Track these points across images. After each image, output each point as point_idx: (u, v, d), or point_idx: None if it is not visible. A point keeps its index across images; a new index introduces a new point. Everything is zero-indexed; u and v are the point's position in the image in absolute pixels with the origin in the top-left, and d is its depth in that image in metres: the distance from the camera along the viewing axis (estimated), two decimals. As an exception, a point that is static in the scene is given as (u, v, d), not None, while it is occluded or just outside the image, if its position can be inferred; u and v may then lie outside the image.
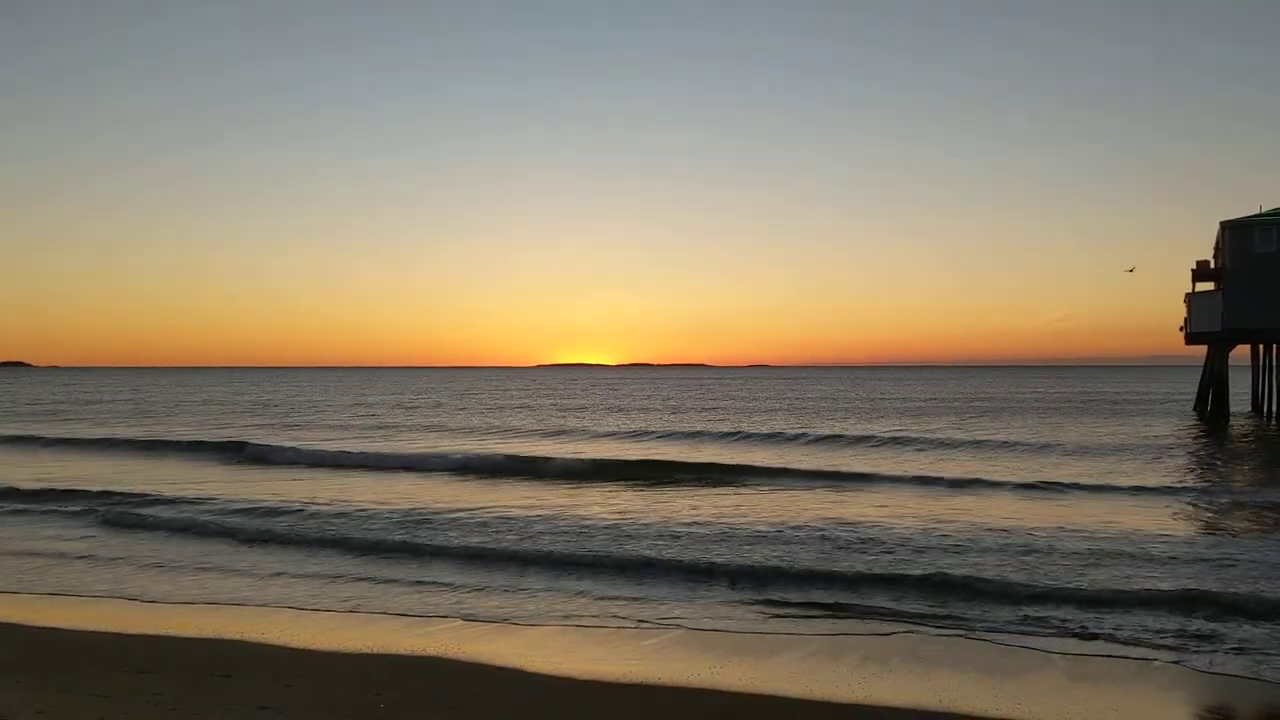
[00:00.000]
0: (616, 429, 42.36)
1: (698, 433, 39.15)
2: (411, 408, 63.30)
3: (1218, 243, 40.33)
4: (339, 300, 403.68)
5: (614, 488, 21.70)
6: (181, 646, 9.03)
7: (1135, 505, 18.03)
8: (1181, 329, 41.64)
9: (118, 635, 9.50)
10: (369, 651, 8.92)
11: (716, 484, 22.14)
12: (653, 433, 39.58)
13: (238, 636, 9.46)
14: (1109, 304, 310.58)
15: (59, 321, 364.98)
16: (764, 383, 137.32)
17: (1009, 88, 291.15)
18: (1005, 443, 32.17)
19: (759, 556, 12.88)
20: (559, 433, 40.71)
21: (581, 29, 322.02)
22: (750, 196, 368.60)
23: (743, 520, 16.34)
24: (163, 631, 9.69)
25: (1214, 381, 42.34)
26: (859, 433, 37.22)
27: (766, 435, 37.11)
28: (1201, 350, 43.12)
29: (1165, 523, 15.98)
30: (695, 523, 16.06)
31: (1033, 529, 15.11)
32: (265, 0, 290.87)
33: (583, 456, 27.96)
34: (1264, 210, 38.70)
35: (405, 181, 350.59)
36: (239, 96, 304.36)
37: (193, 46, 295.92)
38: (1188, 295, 40.84)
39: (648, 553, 13.19)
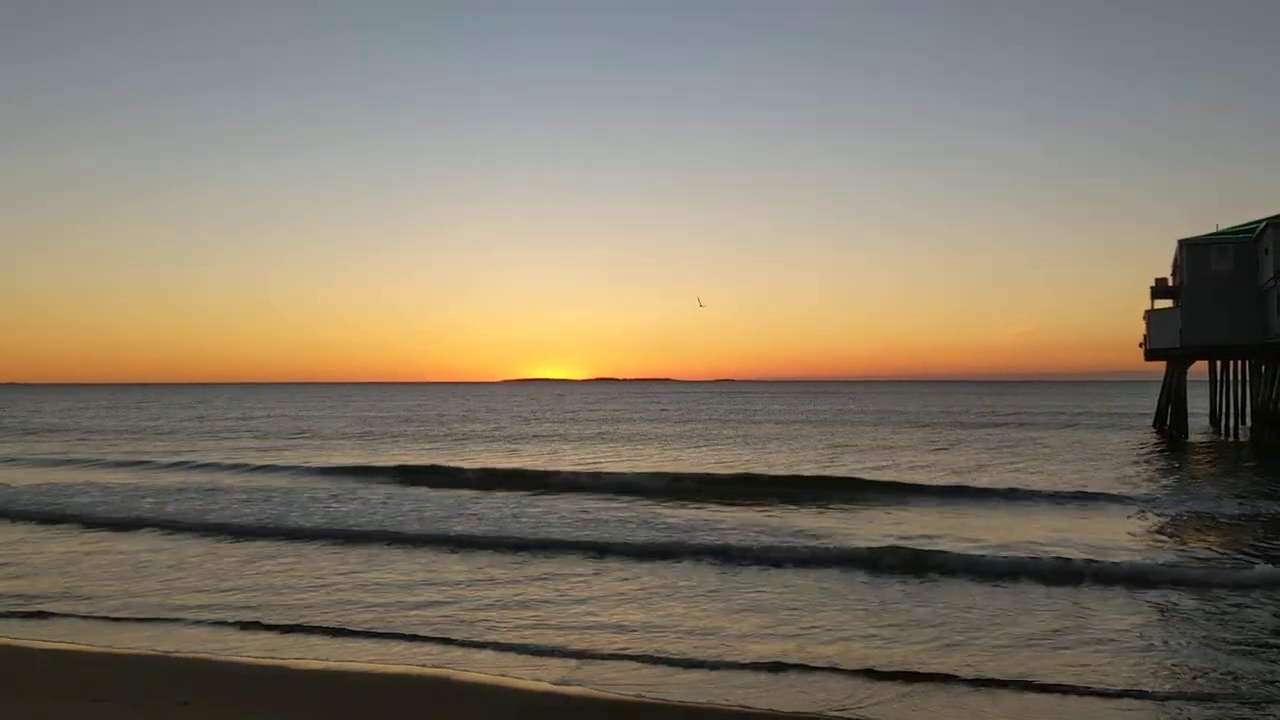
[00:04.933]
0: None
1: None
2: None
3: (1176, 261, 41.06)
4: (318, 316, 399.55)
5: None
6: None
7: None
8: (1141, 345, 42.32)
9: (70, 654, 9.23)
10: (336, 669, 8.73)
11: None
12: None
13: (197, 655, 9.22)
14: (1071, 319, 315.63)
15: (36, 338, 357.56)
16: (768, 399, 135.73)
17: (975, 104, 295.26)
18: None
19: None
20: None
21: (550, 50, 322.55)
22: (711, 212, 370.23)
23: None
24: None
25: (1173, 397, 43.02)
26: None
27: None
28: (1161, 366, 43.84)
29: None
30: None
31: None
32: (246, 19, 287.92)
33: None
34: (1220, 229, 39.50)
35: (377, 199, 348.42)
36: (219, 114, 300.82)
37: (173, 63, 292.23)
38: (1147, 312, 41.52)
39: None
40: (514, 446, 41.83)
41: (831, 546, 14.87)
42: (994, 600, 11.59)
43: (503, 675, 8.63)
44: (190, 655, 9.31)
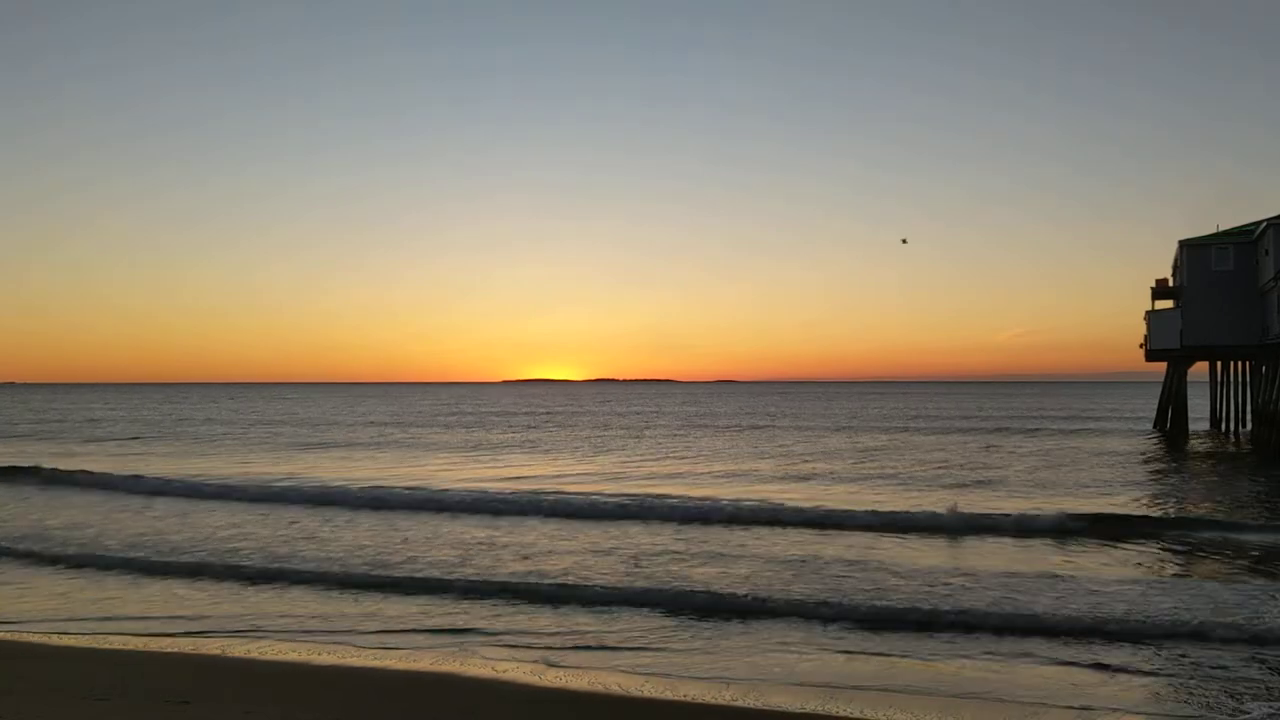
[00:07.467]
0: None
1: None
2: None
3: (1176, 261, 41.07)
4: (318, 316, 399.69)
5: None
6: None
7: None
8: (1141, 346, 42.32)
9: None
10: (338, 666, 8.71)
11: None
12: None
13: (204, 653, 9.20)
14: (1071, 320, 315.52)
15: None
16: (777, 400, 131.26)
17: (975, 105, 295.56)
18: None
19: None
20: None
21: (551, 51, 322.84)
22: (711, 213, 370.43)
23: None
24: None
25: (1173, 398, 43.01)
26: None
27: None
28: (1162, 367, 43.84)
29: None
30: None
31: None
32: (245, 19, 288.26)
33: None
34: (1220, 229, 39.51)
35: (376, 199, 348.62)
36: (219, 113, 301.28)
37: (172, 65, 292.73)
38: (1147, 313, 41.52)
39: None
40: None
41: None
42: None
43: (507, 671, 8.61)
44: (192, 654, 9.29)
